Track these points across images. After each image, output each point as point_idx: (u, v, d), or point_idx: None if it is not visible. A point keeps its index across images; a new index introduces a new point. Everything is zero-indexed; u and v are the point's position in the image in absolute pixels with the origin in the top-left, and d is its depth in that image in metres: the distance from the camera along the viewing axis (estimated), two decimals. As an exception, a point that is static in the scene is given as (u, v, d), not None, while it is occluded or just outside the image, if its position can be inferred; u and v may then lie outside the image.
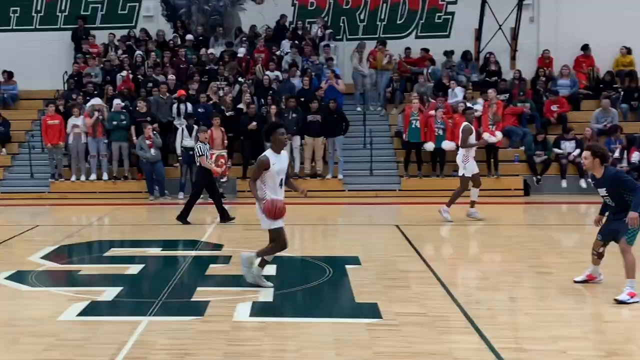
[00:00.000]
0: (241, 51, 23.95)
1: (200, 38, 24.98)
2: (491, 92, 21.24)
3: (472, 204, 15.65)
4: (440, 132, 20.51)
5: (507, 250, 12.60)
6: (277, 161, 9.22)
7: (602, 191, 8.98)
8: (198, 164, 15.57)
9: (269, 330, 7.74)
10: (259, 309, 8.61)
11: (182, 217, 15.46)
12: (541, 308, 8.56)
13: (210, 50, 24.24)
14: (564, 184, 20.44)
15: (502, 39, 24.22)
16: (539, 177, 20.72)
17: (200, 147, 15.47)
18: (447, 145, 20.39)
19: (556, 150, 20.77)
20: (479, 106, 21.12)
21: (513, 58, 24.61)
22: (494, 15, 23.89)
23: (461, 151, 15.59)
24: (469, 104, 21.02)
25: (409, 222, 15.95)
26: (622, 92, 22.95)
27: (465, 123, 15.65)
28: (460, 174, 15.67)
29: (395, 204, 18.92)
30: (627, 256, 8.81)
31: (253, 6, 25.51)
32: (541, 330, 7.62)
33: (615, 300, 8.62)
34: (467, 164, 15.50)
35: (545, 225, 15.65)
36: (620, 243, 8.86)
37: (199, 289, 9.61)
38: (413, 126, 20.56)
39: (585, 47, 24.08)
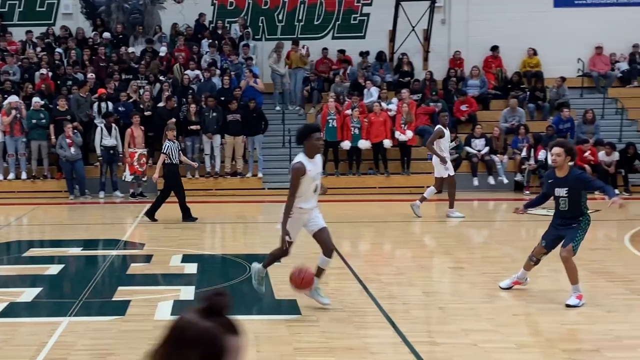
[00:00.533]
0: (162, 50, 23.69)
1: (120, 36, 24.61)
2: (404, 92, 21.53)
3: (423, 199, 15.74)
4: (357, 131, 20.67)
5: (420, 246, 12.81)
6: (312, 167, 8.18)
7: (562, 191, 8.47)
8: (169, 161, 15.01)
9: (190, 329, 7.68)
10: (180, 308, 8.53)
11: (187, 216, 15.11)
12: (453, 302, 8.73)
13: (130, 49, 23.89)
14: (475, 182, 20.75)
15: (415, 40, 24.55)
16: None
17: (165, 144, 15.03)
18: (363, 144, 20.59)
19: (467, 148, 21.14)
20: (393, 106, 21.40)
21: (425, 59, 24.96)
22: (407, 17, 24.19)
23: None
24: (384, 104, 21.32)
25: (326, 219, 15.89)
26: (528, 92, 23.50)
27: (438, 126, 15.83)
28: (445, 175, 15.72)
29: (314, 201, 18.96)
30: (569, 263, 8.48)
31: (173, 5, 25.25)
32: (453, 324, 7.77)
33: (567, 304, 8.44)
34: (447, 164, 15.62)
35: (456, 222, 15.90)
36: (564, 251, 8.47)
37: (120, 288, 9.49)
38: (330, 125, 20.66)
39: (494, 49, 24.57)
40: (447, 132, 15.74)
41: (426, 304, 8.79)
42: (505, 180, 20.39)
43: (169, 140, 15.07)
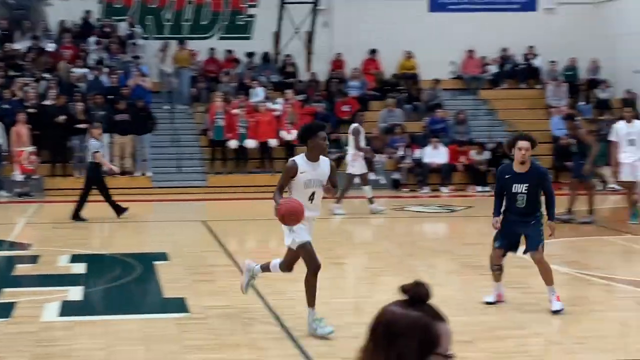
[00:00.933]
0: (51, 46, 22.95)
1: (5, 32, 23.67)
2: (289, 93, 21.62)
3: (371, 200, 15.84)
4: (243, 130, 20.60)
5: (305, 242, 12.86)
6: (309, 170, 7.21)
7: (521, 187, 7.70)
8: (90, 159, 14.50)
9: (78, 329, 7.53)
10: (68, 309, 8.32)
11: (77, 216, 14.48)
12: (337, 297, 8.84)
13: (15, 45, 23.03)
14: (357, 179, 20.89)
15: (299, 42, 24.63)
16: (333, 172, 21.21)
17: (92, 143, 14.48)
18: (249, 143, 20.54)
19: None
20: (278, 106, 21.43)
21: (309, 60, 25.06)
22: (291, 19, 24.25)
23: (351, 151, 15.77)
24: (269, 104, 21.35)
25: (215, 217, 15.93)
26: (405, 94, 23.94)
27: (354, 125, 15.93)
28: (348, 171, 15.82)
29: (202, 200, 18.82)
30: (543, 264, 7.91)
31: (59, 1, 24.45)
32: (337, 318, 7.87)
33: (553, 312, 7.89)
34: (356, 162, 15.70)
35: (338, 218, 16.02)
36: (536, 253, 7.86)
37: (4, 290, 9.13)
38: (218, 124, 20.53)
39: (373, 51, 24.91)
40: (362, 129, 15.95)
41: (311, 299, 8.85)
42: (383, 180, 20.62)
43: (93, 138, 14.61)
